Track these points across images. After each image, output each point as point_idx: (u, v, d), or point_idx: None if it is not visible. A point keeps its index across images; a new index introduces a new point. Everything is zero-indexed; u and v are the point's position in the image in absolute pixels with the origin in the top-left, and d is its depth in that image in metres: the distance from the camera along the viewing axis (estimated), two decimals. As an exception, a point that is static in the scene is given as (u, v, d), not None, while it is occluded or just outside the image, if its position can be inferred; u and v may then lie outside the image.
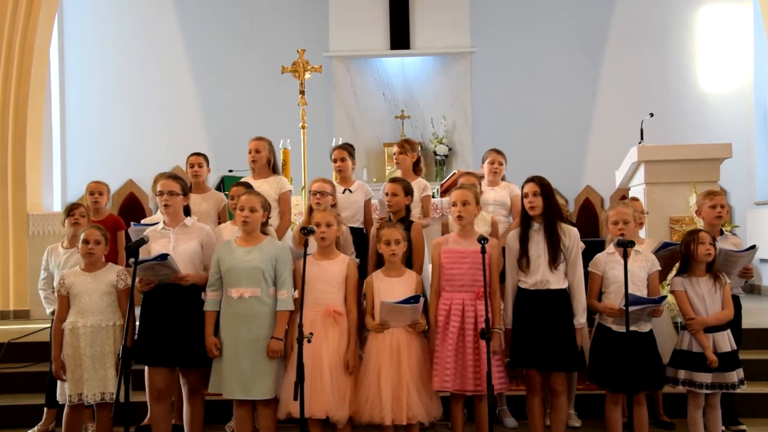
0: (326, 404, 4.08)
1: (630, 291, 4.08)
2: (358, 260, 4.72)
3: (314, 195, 4.91)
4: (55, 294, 4.51)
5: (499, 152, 5.71)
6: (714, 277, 4.40)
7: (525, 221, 4.32)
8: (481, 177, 5.66)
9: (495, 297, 4.26)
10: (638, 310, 4.13)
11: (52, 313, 4.91)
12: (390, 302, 4.13)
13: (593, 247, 4.92)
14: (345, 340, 4.20)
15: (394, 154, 5.68)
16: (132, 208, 10.53)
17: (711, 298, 4.37)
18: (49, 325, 5.09)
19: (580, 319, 4.23)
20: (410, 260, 4.53)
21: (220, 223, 5.34)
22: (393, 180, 4.91)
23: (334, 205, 4.88)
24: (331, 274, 4.24)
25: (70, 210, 5.02)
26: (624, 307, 4.09)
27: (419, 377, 4.18)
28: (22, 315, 7.75)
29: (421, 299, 4.19)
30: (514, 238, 4.34)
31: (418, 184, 5.59)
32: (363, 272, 4.60)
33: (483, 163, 5.75)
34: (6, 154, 7.96)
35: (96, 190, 5.58)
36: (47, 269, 4.98)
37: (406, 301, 4.13)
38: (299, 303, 4.20)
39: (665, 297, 4.32)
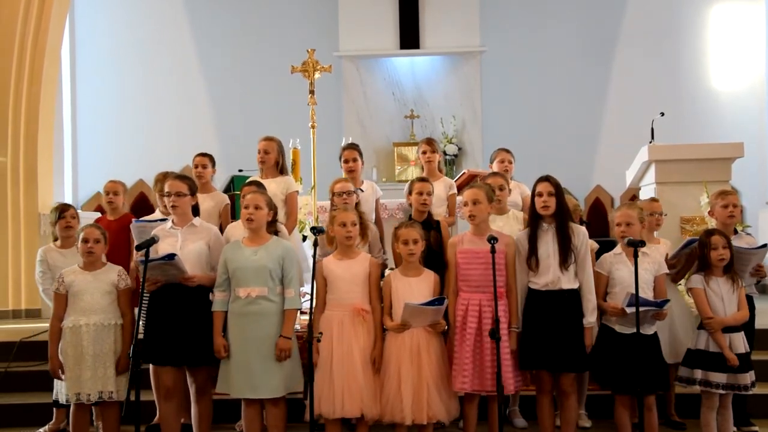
0: (361, 402, 4.12)
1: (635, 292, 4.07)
2: (386, 257, 4.74)
3: (340, 196, 4.89)
4: (51, 292, 4.50)
5: (507, 151, 5.71)
6: (732, 278, 4.38)
7: (534, 221, 4.30)
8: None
9: (512, 295, 4.26)
10: (641, 312, 4.10)
11: None
12: (414, 304, 4.11)
13: (604, 246, 4.89)
14: (373, 338, 4.22)
15: (424, 152, 5.63)
16: (142, 207, 10.55)
17: (729, 298, 4.36)
18: (29, 325, 5.10)
19: (590, 318, 4.21)
20: (435, 258, 4.50)
21: (221, 224, 5.35)
22: (424, 180, 4.89)
23: (358, 204, 4.88)
24: (353, 273, 4.25)
25: (61, 212, 5.02)
26: (626, 307, 4.08)
27: (439, 377, 4.19)
28: (33, 314, 7.78)
29: (446, 301, 4.18)
30: (523, 237, 4.33)
31: (445, 182, 5.63)
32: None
33: (492, 162, 5.74)
34: (18, 154, 7.99)
35: (112, 189, 5.60)
36: (47, 269, 4.97)
37: (431, 303, 4.13)
38: (316, 304, 4.23)
39: (668, 300, 4.29)
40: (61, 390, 4.42)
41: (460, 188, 5.91)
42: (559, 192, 4.25)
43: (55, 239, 5.12)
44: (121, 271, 4.50)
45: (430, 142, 5.72)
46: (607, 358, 4.23)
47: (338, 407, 4.08)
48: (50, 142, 8.41)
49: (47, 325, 5.48)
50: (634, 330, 4.09)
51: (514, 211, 5.03)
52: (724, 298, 4.35)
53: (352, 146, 5.65)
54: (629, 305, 4.07)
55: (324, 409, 4.08)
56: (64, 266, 4.82)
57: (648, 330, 4.23)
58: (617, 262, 4.33)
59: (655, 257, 4.42)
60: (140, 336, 4.24)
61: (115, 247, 5.05)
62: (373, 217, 5.50)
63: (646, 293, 4.22)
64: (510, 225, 4.80)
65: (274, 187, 5.24)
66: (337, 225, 4.28)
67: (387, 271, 4.67)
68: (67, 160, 10.22)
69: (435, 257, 4.49)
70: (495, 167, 5.67)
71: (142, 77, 11.23)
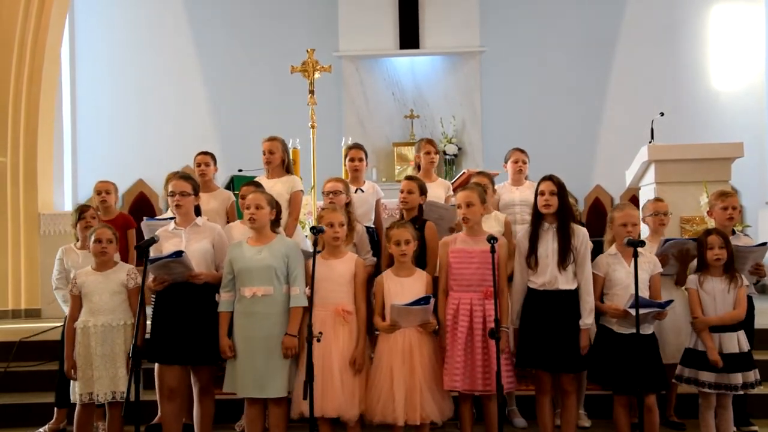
0: (338, 403, 4.10)
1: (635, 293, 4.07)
2: (374, 259, 4.74)
3: (327, 195, 4.90)
4: (63, 292, 4.53)
5: (522, 151, 5.70)
6: (730, 277, 4.37)
7: (536, 220, 4.30)
8: (493, 176, 5.65)
9: (503, 296, 4.25)
10: (643, 314, 4.10)
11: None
12: (400, 305, 4.12)
13: (598, 246, 4.88)
14: (355, 339, 4.20)
15: (428, 152, 5.60)
16: (142, 207, 10.58)
17: (723, 298, 4.35)
18: (62, 324, 5.12)
19: (587, 319, 4.20)
20: (424, 259, 4.52)
21: (228, 221, 5.36)
22: (410, 178, 4.89)
23: (349, 203, 4.87)
24: (338, 272, 4.24)
25: (81, 212, 5.03)
26: (628, 309, 4.08)
27: (432, 377, 4.18)
28: (33, 314, 7.79)
29: (432, 300, 4.18)
30: (524, 236, 4.33)
31: (444, 185, 5.63)
32: (377, 271, 4.62)
33: (506, 162, 5.73)
34: (17, 154, 8.00)
35: (103, 189, 5.60)
36: (62, 269, 4.98)
37: (417, 302, 4.12)
38: (309, 302, 4.21)
39: (671, 301, 4.29)
40: (74, 390, 4.42)
41: (459, 188, 5.92)
42: (562, 192, 4.25)
43: (77, 240, 5.12)
44: (131, 270, 4.50)
45: (432, 142, 5.71)
46: (606, 358, 4.22)
47: (317, 407, 4.04)
48: (50, 142, 8.41)
49: (47, 325, 5.49)
50: (634, 330, 4.09)
51: (496, 213, 5.04)
52: (717, 298, 4.34)
53: (359, 146, 5.66)
54: (631, 307, 4.07)
55: (304, 407, 4.01)
56: (80, 267, 4.82)
57: (647, 330, 4.23)
58: (614, 263, 4.33)
59: (651, 257, 4.43)
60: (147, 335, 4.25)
61: None
62: (373, 216, 5.50)
63: (643, 293, 4.22)
64: (490, 226, 4.76)
65: (280, 186, 5.24)
66: (324, 225, 4.27)
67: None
68: (66, 160, 10.22)
69: (418, 258, 4.45)
70: (509, 167, 5.68)
71: (142, 77, 11.23)
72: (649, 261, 4.36)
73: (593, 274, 4.32)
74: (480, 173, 5.15)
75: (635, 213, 4.39)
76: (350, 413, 4.13)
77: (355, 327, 4.22)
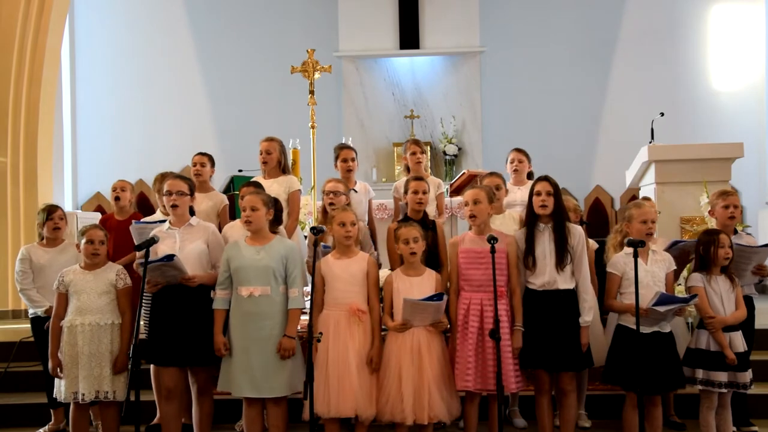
0: (355, 402, 4.11)
1: (653, 291, 4.12)
2: (376, 253, 4.74)
3: (327, 195, 4.90)
4: (55, 290, 4.50)
5: (519, 151, 5.72)
6: (729, 277, 4.40)
7: (531, 221, 4.30)
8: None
9: (515, 294, 4.26)
10: (667, 310, 4.11)
11: (38, 314, 4.91)
12: (413, 299, 4.11)
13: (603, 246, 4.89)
14: (370, 338, 4.21)
15: (413, 153, 5.62)
16: (142, 207, 10.54)
17: (728, 297, 4.37)
18: (29, 325, 5.10)
19: (586, 317, 4.20)
20: (434, 259, 4.52)
21: (219, 225, 5.33)
22: (420, 179, 4.87)
23: (348, 204, 4.87)
24: (350, 272, 4.24)
25: (49, 213, 5.00)
26: (652, 307, 4.09)
27: (440, 377, 4.18)
28: (33, 314, 7.79)
29: (445, 297, 4.18)
30: (520, 237, 4.33)
31: (434, 182, 5.64)
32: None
33: (507, 163, 5.77)
34: (18, 154, 8.01)
35: (119, 186, 5.60)
36: (27, 268, 4.94)
37: (430, 298, 4.12)
38: (314, 303, 4.22)
39: (695, 296, 4.29)
40: (60, 389, 4.42)
41: (460, 189, 5.93)
42: (557, 192, 4.25)
43: (42, 239, 5.10)
44: (120, 270, 4.50)
45: (418, 142, 5.73)
46: (627, 358, 4.16)
47: (333, 407, 4.08)
48: (50, 142, 8.42)
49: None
50: (655, 329, 4.16)
51: (509, 211, 5.03)
52: (724, 298, 4.36)
53: (349, 146, 5.71)
54: (657, 304, 4.08)
55: (319, 408, 4.07)
56: (48, 264, 4.87)
57: (665, 328, 4.24)
58: (631, 262, 4.28)
59: (665, 254, 4.44)
60: (141, 336, 4.23)
61: (123, 247, 5.06)
62: (366, 218, 5.51)
63: (661, 290, 4.23)
64: (506, 225, 4.77)
65: (277, 187, 5.25)
66: (336, 224, 4.27)
67: (381, 272, 4.67)
68: (66, 160, 10.23)
69: (431, 258, 4.48)
70: (508, 167, 5.70)
71: (142, 78, 11.24)
72: (663, 258, 4.37)
73: (611, 273, 4.34)
74: (492, 174, 5.14)
75: (653, 209, 4.42)
76: (368, 412, 4.14)
77: (369, 326, 4.22)
